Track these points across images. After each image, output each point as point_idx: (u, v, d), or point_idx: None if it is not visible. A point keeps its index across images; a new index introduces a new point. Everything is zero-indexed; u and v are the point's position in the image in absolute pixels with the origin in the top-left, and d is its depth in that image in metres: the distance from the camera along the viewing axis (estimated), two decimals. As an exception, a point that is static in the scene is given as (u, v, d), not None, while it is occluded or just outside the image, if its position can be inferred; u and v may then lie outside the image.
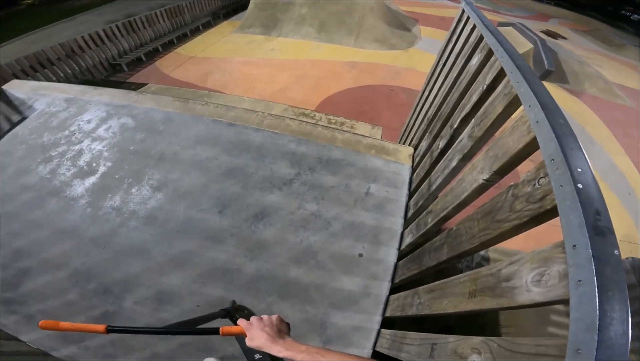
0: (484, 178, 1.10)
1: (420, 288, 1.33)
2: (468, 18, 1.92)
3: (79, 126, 2.68)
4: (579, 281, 0.53)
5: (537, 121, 0.84)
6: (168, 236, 1.99)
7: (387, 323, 1.68)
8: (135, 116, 2.69)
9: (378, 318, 1.68)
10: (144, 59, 8.38)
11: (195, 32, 10.56)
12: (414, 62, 8.56)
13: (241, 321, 0.77)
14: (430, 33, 10.82)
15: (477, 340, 0.84)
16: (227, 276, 1.84)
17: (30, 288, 1.89)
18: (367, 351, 1.59)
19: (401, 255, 1.89)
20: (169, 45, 9.29)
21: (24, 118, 3.01)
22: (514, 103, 1.09)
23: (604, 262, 0.52)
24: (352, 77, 7.61)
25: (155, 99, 2.88)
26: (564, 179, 0.66)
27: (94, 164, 2.37)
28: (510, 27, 10.78)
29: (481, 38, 1.60)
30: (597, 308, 0.48)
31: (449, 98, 1.91)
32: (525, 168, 0.93)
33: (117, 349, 1.65)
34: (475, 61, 1.61)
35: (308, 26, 10.04)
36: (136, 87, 6.41)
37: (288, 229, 2.00)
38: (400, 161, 2.40)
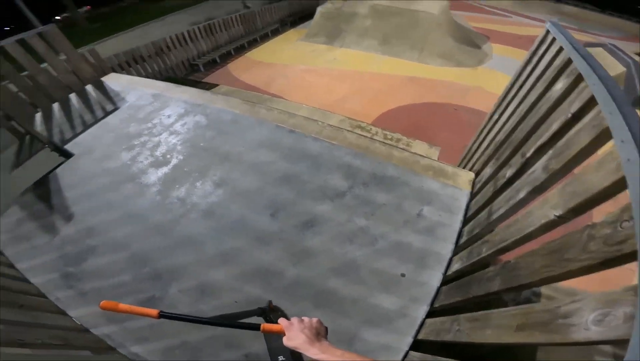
0: (557, 215, 1.02)
1: (462, 315, 1.31)
2: (553, 39, 1.77)
3: (160, 120, 3.00)
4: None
5: (629, 160, 0.77)
6: (221, 231, 2.12)
7: (414, 345, 1.63)
8: (208, 114, 2.94)
9: (409, 340, 1.63)
10: (218, 60, 9.11)
11: (264, 38, 11.21)
12: (482, 82, 8.05)
13: (282, 321, 0.80)
14: (504, 51, 10.10)
15: None
16: (268, 278, 1.90)
17: (92, 266, 2.09)
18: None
19: (445, 280, 1.82)
20: (240, 50, 9.97)
21: (116, 108, 3.45)
22: (602, 136, 0.98)
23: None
24: (413, 92, 7.41)
25: (225, 100, 3.12)
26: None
27: (168, 156, 2.63)
28: (600, 48, 9.76)
29: (569, 62, 1.47)
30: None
31: (522, 124, 1.78)
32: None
33: (153, 333, 1.77)
34: (559, 86, 1.48)
35: (371, 38, 10.01)
36: (209, 87, 7.00)
37: (334, 241, 2.01)
38: (459, 186, 2.29)
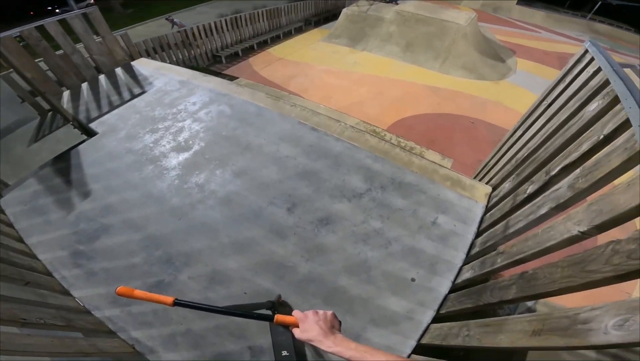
0: (581, 230, 1.06)
1: (472, 321, 1.35)
2: (591, 59, 1.77)
3: (185, 106, 3.05)
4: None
5: None
6: (237, 221, 2.15)
7: (416, 349, 1.65)
8: (233, 105, 2.98)
9: (412, 343, 1.65)
10: (240, 54, 9.21)
11: (288, 35, 11.29)
12: (503, 97, 7.94)
13: (296, 313, 0.79)
14: (529, 67, 9.94)
15: None
16: (280, 271, 1.92)
17: (103, 245, 2.09)
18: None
19: (454, 288, 1.85)
20: (263, 45, 10.07)
21: (143, 92, 3.53)
22: (634, 159, 1.02)
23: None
24: (431, 102, 7.37)
25: (250, 93, 3.16)
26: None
27: (190, 142, 2.68)
28: (629, 69, 9.58)
29: (606, 83, 1.48)
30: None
31: (549, 142, 1.79)
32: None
33: (156, 318, 1.77)
34: (594, 107, 1.49)
35: (394, 44, 9.99)
36: (229, 79, 7.07)
37: (349, 240, 2.03)
38: (475, 198, 2.28)
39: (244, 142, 2.60)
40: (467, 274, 1.80)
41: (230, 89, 3.25)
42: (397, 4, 11.40)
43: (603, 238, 0.97)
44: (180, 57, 8.24)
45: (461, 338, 1.35)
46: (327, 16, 13.52)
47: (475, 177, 3.29)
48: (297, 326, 0.77)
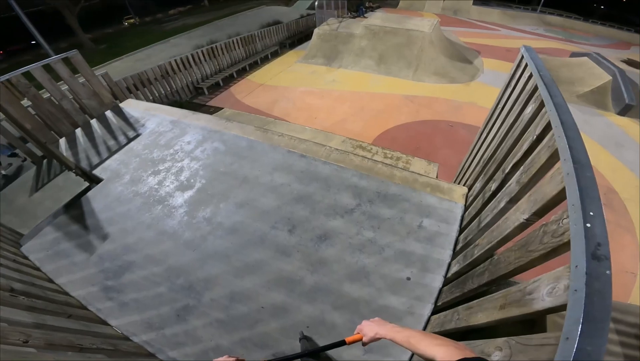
0: (525, 218, 1.28)
1: (460, 306, 1.53)
2: (527, 65, 1.97)
3: (181, 146, 3.30)
4: (575, 290, 0.78)
5: (568, 173, 1.05)
6: (245, 246, 2.39)
7: None
8: (225, 141, 3.25)
9: None
10: (221, 84, 9.48)
11: (265, 60, 11.66)
12: (476, 97, 8.42)
13: (358, 328, 0.98)
14: (495, 65, 10.54)
15: (500, 340, 1.05)
16: (290, 285, 2.16)
17: (129, 279, 2.32)
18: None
19: (446, 282, 2.07)
20: (242, 72, 10.39)
21: (138, 135, 3.76)
22: (555, 155, 1.24)
23: (595, 278, 0.76)
24: (410, 111, 7.74)
25: (240, 127, 3.43)
26: (577, 220, 0.90)
27: (192, 180, 2.92)
28: (586, 58, 10.18)
29: (536, 88, 1.71)
30: (583, 308, 0.72)
31: (504, 143, 2.02)
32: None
33: (188, 338, 2.00)
34: (529, 110, 1.72)
35: (367, 58, 10.39)
36: (214, 110, 7.33)
37: (346, 251, 2.29)
38: (454, 199, 2.57)
39: (241, 176, 2.86)
40: (454, 268, 2.04)
41: (221, 125, 3.52)
42: (365, 17, 11.94)
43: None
44: (163, 92, 8.37)
45: (454, 322, 1.55)
46: (301, 37, 14.05)
47: (455, 180, 3.62)
48: (361, 339, 0.96)
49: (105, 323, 2.11)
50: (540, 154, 1.36)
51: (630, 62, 11.94)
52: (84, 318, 2.02)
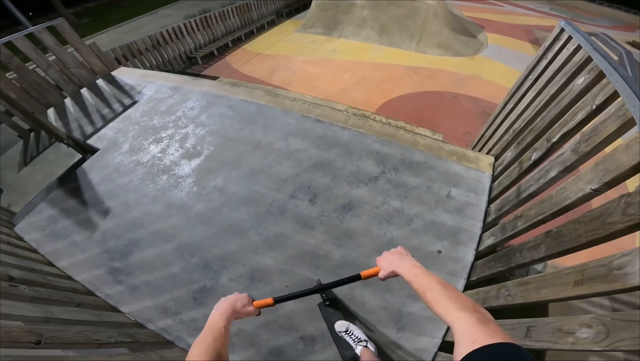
0: (592, 188, 1.20)
1: (509, 282, 1.47)
2: (569, 38, 1.96)
3: (184, 112, 3.04)
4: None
5: None
6: (263, 218, 2.21)
7: None
8: (232, 106, 2.99)
9: None
10: (216, 53, 9.02)
11: (261, 29, 11.08)
12: (480, 70, 8.19)
13: (377, 260, 0.89)
14: (499, 40, 10.25)
15: (586, 317, 0.98)
16: (315, 260, 2.01)
17: (138, 259, 2.11)
18: (437, 341, 1.68)
19: (479, 255, 1.98)
20: (238, 42, 9.87)
21: (134, 102, 3.47)
22: (627, 124, 1.19)
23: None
24: (413, 82, 7.51)
25: (247, 92, 3.17)
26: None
27: (199, 147, 2.69)
28: (592, 38, 9.93)
29: (588, 60, 1.66)
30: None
31: (544, 113, 1.96)
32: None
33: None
34: (581, 81, 1.67)
35: (369, 29, 9.98)
36: (210, 80, 6.95)
37: (373, 222, 2.13)
38: (481, 168, 2.43)
39: (254, 142, 2.64)
40: (489, 241, 1.93)
41: (226, 90, 3.25)
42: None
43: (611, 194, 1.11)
44: (154, 62, 7.94)
45: (502, 298, 1.47)
46: (298, 7, 13.33)
47: (473, 148, 3.47)
48: (378, 273, 0.87)
49: (116, 309, 1.92)
50: (607, 123, 1.27)
51: (634, 44, 11.82)
52: (92, 306, 1.83)
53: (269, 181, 2.38)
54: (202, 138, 2.76)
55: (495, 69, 8.21)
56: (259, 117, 2.84)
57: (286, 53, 8.89)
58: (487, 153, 2.79)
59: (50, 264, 2.14)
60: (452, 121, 6.21)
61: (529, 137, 2.02)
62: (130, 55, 7.40)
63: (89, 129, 3.27)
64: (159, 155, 2.70)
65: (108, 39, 11.45)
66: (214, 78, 7.27)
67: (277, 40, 9.99)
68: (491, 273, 1.73)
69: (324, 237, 2.08)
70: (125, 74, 4.04)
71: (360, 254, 2.00)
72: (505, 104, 2.96)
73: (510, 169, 2.13)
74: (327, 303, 1.77)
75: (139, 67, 7.55)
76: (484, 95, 6.94)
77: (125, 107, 3.41)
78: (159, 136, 2.87)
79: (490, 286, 1.61)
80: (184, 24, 8.54)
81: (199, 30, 8.96)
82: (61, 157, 3.56)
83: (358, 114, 5.51)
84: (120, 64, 7.10)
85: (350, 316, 1.77)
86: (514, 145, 2.27)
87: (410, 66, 8.25)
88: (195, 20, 8.83)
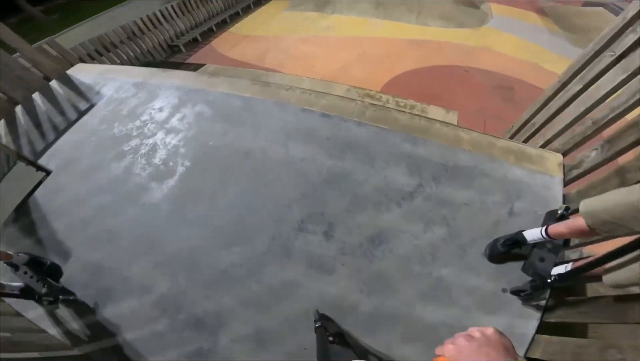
0: None
1: (626, 343, 1.02)
2: None
3: (150, 115, 2.38)
4: None
5: None
6: (265, 261, 1.61)
7: None
8: (211, 102, 2.33)
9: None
10: (199, 39, 8.32)
11: (247, 10, 10.23)
12: (489, 42, 7.61)
13: (446, 349, 0.51)
14: (504, 11, 9.62)
15: None
16: (339, 315, 1.45)
17: (113, 314, 1.60)
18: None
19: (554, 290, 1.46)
20: (223, 25, 9.10)
21: (91, 105, 2.80)
22: None
23: None
24: (418, 56, 6.89)
25: (230, 83, 2.50)
26: None
27: (171, 163, 2.05)
28: (601, 8, 9.31)
29: None
30: None
31: None
32: None
33: None
34: None
35: (364, 2, 9.47)
36: (195, 67, 6.26)
37: (412, 258, 1.54)
38: (549, 172, 1.81)
39: (241, 149, 1.99)
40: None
41: (203, 81, 2.57)
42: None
43: None
44: (132, 54, 7.23)
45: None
46: (285, -17, 12.31)
47: (511, 138, 2.83)
48: None
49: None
50: None
51: (643, 15, 11.02)
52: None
53: (266, 207, 1.75)
54: (174, 150, 2.11)
55: (505, 40, 7.66)
56: (247, 114, 2.18)
57: (277, 33, 8.16)
58: (541, 147, 2.17)
59: (20, 314, 1.63)
60: (465, 97, 5.72)
61: (634, 135, 1.46)
62: (105, 50, 6.70)
63: (40, 144, 2.63)
64: (122, 176, 2.07)
65: (82, 32, 10.61)
66: (200, 65, 6.59)
67: (266, 20, 9.21)
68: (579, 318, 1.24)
69: (349, 283, 1.50)
70: (81, 72, 3.35)
71: (398, 303, 1.44)
72: (566, 86, 2.31)
73: (605, 177, 1.52)
74: (332, 339, 1.18)
75: (116, 61, 6.90)
76: (496, 67, 6.41)
77: (81, 113, 2.75)
78: (121, 149, 2.23)
79: (587, 340, 1.13)
80: (160, 11, 7.82)
81: (178, 16, 8.19)
82: (26, 178, 2.94)
83: (362, 93, 4.82)
84: (93, 59, 6.44)
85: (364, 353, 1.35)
86: (601, 142, 1.65)
87: (413, 39, 7.59)
88: (172, 5, 8.04)
